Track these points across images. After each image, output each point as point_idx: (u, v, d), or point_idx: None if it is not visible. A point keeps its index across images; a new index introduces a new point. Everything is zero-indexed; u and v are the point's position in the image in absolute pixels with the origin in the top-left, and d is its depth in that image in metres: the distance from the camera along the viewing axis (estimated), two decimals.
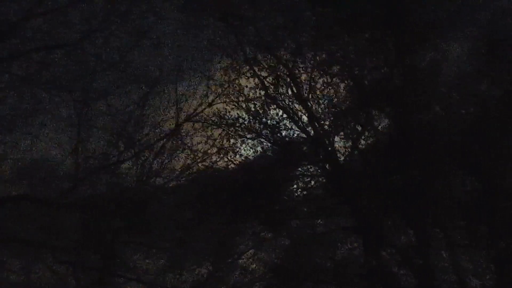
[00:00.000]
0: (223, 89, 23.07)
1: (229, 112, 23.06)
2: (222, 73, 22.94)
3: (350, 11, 21.33)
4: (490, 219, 20.44)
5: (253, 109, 22.98)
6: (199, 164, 23.08)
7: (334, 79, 22.67)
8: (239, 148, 23.15)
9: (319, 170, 23.12)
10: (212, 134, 23.08)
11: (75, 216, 21.09)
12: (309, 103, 22.78)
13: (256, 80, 22.84)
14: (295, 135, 23.12)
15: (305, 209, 23.04)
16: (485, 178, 20.66)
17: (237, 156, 23.15)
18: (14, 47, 19.79)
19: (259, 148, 23.20)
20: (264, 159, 23.07)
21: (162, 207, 22.06)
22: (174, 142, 23.03)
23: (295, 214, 22.96)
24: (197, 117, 23.01)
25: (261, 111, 22.97)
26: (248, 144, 23.16)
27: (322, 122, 22.92)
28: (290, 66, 22.70)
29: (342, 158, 22.89)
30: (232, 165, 23.07)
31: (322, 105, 22.76)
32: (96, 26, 20.74)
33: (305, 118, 22.94)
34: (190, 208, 22.10)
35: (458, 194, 20.88)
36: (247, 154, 23.16)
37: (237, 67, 22.85)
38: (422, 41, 21.31)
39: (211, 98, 23.04)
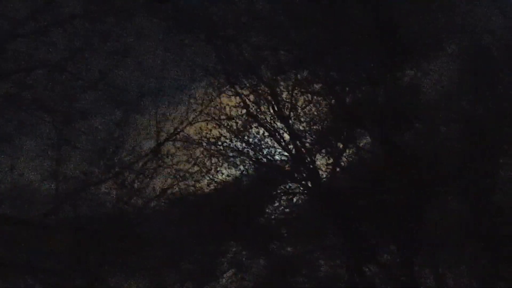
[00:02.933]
0: (204, 107, 22.91)
1: (211, 130, 22.93)
2: (203, 91, 22.80)
3: (332, 30, 21.38)
4: (475, 236, 20.57)
5: (234, 127, 22.91)
6: (180, 184, 22.86)
7: (315, 97, 22.69)
8: (221, 167, 22.99)
9: (301, 188, 23.08)
10: (194, 153, 22.90)
11: (58, 237, 20.79)
12: (290, 121, 22.76)
13: (238, 98, 22.75)
14: (277, 153, 23.07)
15: (287, 228, 22.96)
16: (470, 195, 20.80)
17: (219, 174, 23.01)
18: None
19: (241, 167, 23.07)
20: (246, 177, 23.00)
21: (144, 227, 21.87)
22: (154, 161, 22.78)
23: (278, 232, 22.89)
24: (178, 136, 22.81)
25: (242, 129, 22.90)
26: (230, 162, 23.03)
27: (304, 140, 22.88)
28: (272, 84, 22.65)
29: (324, 175, 22.89)
30: (214, 184, 22.92)
31: (304, 123, 22.75)
32: (78, 46, 20.59)
33: (286, 136, 22.92)
34: (173, 228, 21.90)
35: (443, 212, 20.99)
36: (229, 172, 23.03)
37: (218, 85, 22.71)
38: (404, 59, 21.42)
39: (192, 116, 22.86)
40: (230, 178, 23.11)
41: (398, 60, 21.49)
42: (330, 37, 21.60)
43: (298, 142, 22.86)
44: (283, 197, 23.19)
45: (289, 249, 22.94)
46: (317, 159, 23.00)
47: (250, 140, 23.02)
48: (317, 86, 22.73)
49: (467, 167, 20.76)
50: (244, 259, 22.83)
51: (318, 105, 22.78)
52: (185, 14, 21.60)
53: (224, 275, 23.12)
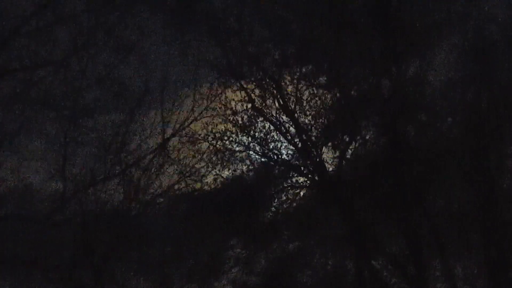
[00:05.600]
0: (209, 102, 22.91)
1: (216, 125, 22.94)
2: (208, 86, 22.81)
3: (335, 22, 21.36)
4: (482, 226, 20.53)
5: (240, 122, 22.92)
6: (187, 179, 22.88)
7: (320, 90, 22.67)
8: (227, 162, 22.98)
9: (308, 182, 23.07)
10: (200, 148, 22.92)
11: (65, 234, 20.86)
12: (296, 115, 22.74)
13: (243, 93, 22.76)
14: (283, 146, 23.10)
15: (294, 222, 22.94)
16: (477, 185, 20.75)
17: (225, 170, 23.01)
18: (0, 65, 19.65)
19: (247, 161, 23.07)
20: (253, 172, 22.99)
21: (150, 223, 21.91)
22: (161, 157, 22.80)
23: (285, 226, 22.88)
24: (184, 132, 22.83)
25: (248, 124, 22.90)
26: (236, 157, 23.03)
27: (310, 133, 22.86)
28: (276, 78, 22.63)
29: (331, 168, 22.89)
30: (221, 179, 22.93)
31: (309, 116, 22.73)
32: (82, 43, 20.65)
33: (292, 129, 22.92)
34: (179, 224, 21.93)
35: (450, 202, 20.95)
36: (235, 167, 23.03)
37: (223, 80, 22.70)
38: (408, 50, 21.38)
39: (197, 112, 22.88)
40: (236, 173, 23.09)
41: (402, 52, 21.40)
42: (333, 30, 21.52)
43: (304, 135, 22.85)
44: (290, 191, 23.17)
45: (296, 243, 22.88)
46: (323, 152, 22.95)
47: (256, 134, 23.08)
48: (322, 79, 22.62)
49: (472, 157, 20.69)
50: (250, 254, 22.85)
51: (323, 98, 22.66)
52: (188, 9, 21.53)
53: (230, 271, 23.11)
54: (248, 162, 23.15)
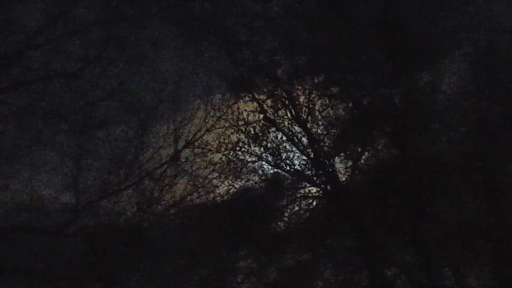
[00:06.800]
0: (222, 113, 22.95)
1: (229, 136, 22.97)
2: (220, 97, 22.86)
3: (347, 32, 21.36)
4: (492, 236, 20.43)
5: (252, 132, 22.94)
6: (200, 190, 22.90)
7: (332, 100, 22.67)
8: (240, 173, 22.99)
9: (320, 192, 23.04)
10: (212, 159, 22.95)
11: (77, 245, 20.94)
12: (308, 125, 22.75)
13: (255, 103, 22.79)
14: (295, 157, 23.08)
15: (306, 232, 22.90)
16: (488, 196, 20.65)
17: (238, 180, 23.02)
18: (13, 78, 19.80)
19: (259, 172, 23.09)
20: (265, 183, 22.99)
21: (162, 234, 21.95)
22: (173, 168, 22.84)
23: (297, 237, 22.84)
24: (197, 143, 22.87)
25: (260, 134, 22.92)
26: (248, 168, 23.05)
27: (322, 143, 22.85)
28: (288, 88, 22.65)
29: (343, 178, 22.86)
30: (233, 190, 22.95)
31: (322, 127, 22.72)
32: (94, 54, 20.77)
33: (304, 140, 22.92)
34: (191, 235, 21.97)
35: (461, 212, 20.86)
36: (248, 178, 23.02)
37: (235, 91, 22.73)
38: (420, 60, 21.33)
39: (210, 123, 22.93)
40: (249, 183, 23.08)
41: (414, 62, 21.33)
42: (344, 40, 21.50)
43: (316, 145, 22.84)
44: (303, 202, 23.11)
45: (308, 253, 22.81)
46: (336, 162, 22.92)
47: (269, 145, 23.04)
48: (334, 90, 22.61)
49: (484, 166, 20.59)
50: (261, 265, 22.77)
51: (335, 109, 22.65)
52: (200, 20, 21.60)
53: (242, 282, 23.06)
54: (260, 172, 23.12)
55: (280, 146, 23.00)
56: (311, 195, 23.19)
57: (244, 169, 23.09)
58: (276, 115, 22.92)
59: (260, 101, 22.86)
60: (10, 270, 20.39)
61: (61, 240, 20.66)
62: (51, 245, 20.53)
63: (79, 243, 21.04)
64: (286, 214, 23.10)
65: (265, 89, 22.82)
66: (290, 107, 22.83)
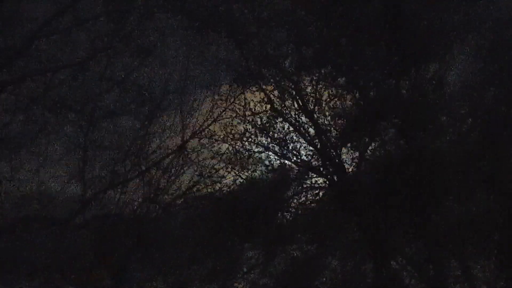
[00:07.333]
0: (229, 104, 22.96)
1: (236, 126, 22.98)
2: (227, 88, 22.85)
3: (354, 24, 21.32)
4: (501, 228, 20.45)
5: (259, 123, 22.94)
6: (206, 180, 22.93)
7: (339, 91, 22.65)
8: (247, 163, 23.01)
9: (327, 183, 23.04)
10: (219, 149, 22.97)
11: (84, 236, 21.02)
12: (315, 116, 22.74)
13: (262, 94, 22.77)
14: (302, 147, 23.07)
15: (312, 223, 22.90)
16: (496, 188, 20.65)
17: (245, 171, 23.02)
18: (20, 69, 19.84)
19: (266, 162, 23.08)
20: (272, 173, 23.00)
21: (169, 225, 22.02)
22: (181, 158, 22.87)
23: (303, 228, 22.85)
24: (203, 133, 22.89)
25: (267, 125, 22.92)
26: (255, 158, 23.05)
27: (329, 134, 22.85)
28: (295, 79, 22.64)
29: (350, 169, 22.87)
30: (240, 180, 22.95)
31: (329, 117, 22.71)
32: (101, 45, 20.78)
33: (311, 130, 22.90)
34: (199, 225, 22.02)
35: (469, 205, 20.87)
36: (255, 168, 23.03)
37: (242, 81, 22.71)
38: (427, 52, 21.28)
39: (216, 113, 22.94)
40: (255, 174, 23.07)
41: (421, 53, 21.28)
42: (351, 32, 21.47)
43: (323, 136, 22.81)
44: (309, 192, 23.11)
45: (315, 244, 22.82)
46: (342, 153, 22.89)
47: (275, 135, 23.02)
48: (341, 80, 22.58)
49: (492, 159, 20.58)
50: (268, 256, 22.79)
51: (342, 99, 22.62)
52: (207, 11, 21.55)
53: (248, 273, 23.11)
54: (267, 163, 23.11)
55: (287, 137, 23.00)
56: (317, 185, 23.17)
57: (250, 160, 23.05)
58: (283, 105, 22.89)
59: (267, 92, 22.75)
60: (18, 263, 20.45)
61: (69, 231, 20.67)
62: (59, 235, 20.58)
63: (86, 233, 21.09)
64: (293, 205, 23.09)
65: (272, 80, 22.68)
66: (297, 97, 22.80)
